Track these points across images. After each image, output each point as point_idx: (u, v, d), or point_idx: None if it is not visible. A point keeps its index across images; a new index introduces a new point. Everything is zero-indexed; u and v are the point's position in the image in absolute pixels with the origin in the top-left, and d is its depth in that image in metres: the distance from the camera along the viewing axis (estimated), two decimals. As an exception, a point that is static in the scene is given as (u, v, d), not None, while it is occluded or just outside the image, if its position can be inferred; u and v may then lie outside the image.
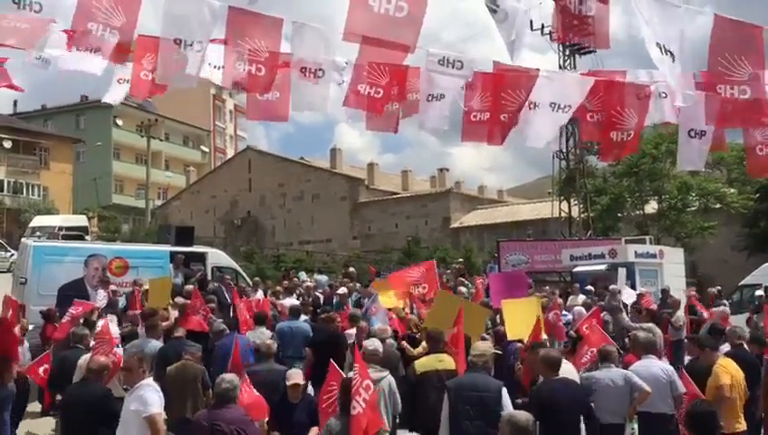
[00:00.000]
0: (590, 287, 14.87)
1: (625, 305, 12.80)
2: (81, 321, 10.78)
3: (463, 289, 15.79)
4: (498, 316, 10.55)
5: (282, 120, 7.43)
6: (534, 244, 24.75)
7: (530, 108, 7.37)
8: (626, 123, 7.57)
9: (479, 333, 8.89)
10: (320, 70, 6.93)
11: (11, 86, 7.06)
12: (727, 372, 7.07)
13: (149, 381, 6.43)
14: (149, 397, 6.10)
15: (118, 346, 9.25)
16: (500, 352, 8.30)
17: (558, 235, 32.63)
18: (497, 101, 7.37)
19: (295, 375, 7.37)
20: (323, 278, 22.47)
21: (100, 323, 10.27)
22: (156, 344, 9.31)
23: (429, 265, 12.97)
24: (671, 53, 6.18)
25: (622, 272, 14.47)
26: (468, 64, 7.25)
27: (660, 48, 6.15)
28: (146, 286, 13.63)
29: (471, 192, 55.46)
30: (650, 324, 10.08)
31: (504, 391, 6.33)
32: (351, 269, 26.22)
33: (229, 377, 6.29)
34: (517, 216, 44.60)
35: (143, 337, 9.72)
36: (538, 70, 7.42)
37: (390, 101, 7.35)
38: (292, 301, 14.02)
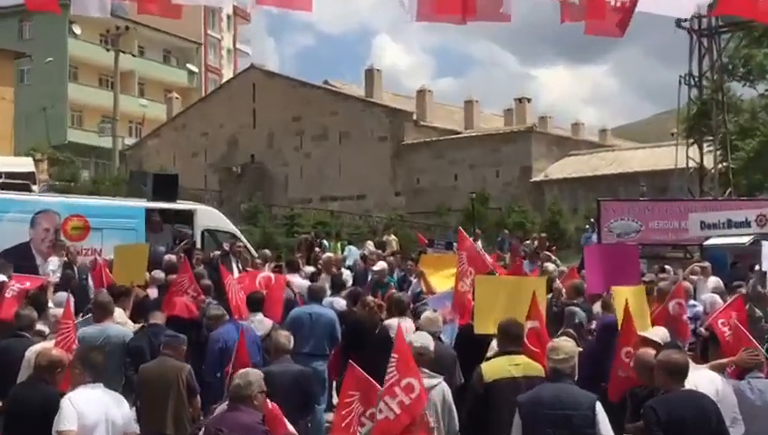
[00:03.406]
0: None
1: None
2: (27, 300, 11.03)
3: (550, 266, 15.74)
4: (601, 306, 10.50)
5: (302, 9, 7.20)
6: (650, 205, 24.39)
7: None
8: None
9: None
10: None
11: None
12: None
13: (82, 388, 6.62)
14: (65, 410, 6.42)
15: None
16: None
17: (683, 193, 32.16)
18: None
19: None
20: (353, 250, 22.62)
21: (53, 305, 10.46)
22: (116, 332, 9.48)
23: (461, 241, 12.55)
24: None
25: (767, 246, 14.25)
26: None
27: None
28: (111, 256, 13.87)
29: (562, 132, 54.74)
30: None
31: (599, 407, 6.34)
32: (391, 237, 26.39)
33: (243, 372, 6.53)
34: (626, 166, 44.03)
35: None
36: None
37: None
38: (296, 279, 14.12)
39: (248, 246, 18.63)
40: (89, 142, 60.67)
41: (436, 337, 8.65)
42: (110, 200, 19.34)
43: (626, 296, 9.19)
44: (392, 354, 6.81)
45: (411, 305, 11.42)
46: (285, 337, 8.61)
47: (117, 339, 9.33)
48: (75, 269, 14.28)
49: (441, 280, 12.66)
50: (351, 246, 23.72)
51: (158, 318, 9.97)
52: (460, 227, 14.40)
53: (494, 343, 8.56)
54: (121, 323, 10.07)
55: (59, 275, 13.76)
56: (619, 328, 8.85)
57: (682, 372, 6.55)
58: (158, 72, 69.37)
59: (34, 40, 58.81)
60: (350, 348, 10.44)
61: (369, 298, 11.23)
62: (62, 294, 11.36)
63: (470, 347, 9.19)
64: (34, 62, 55.92)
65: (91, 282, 13.66)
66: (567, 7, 7.44)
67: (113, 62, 48.62)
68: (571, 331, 9.65)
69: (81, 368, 6.78)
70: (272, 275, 13.42)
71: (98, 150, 59.23)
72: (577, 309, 10.91)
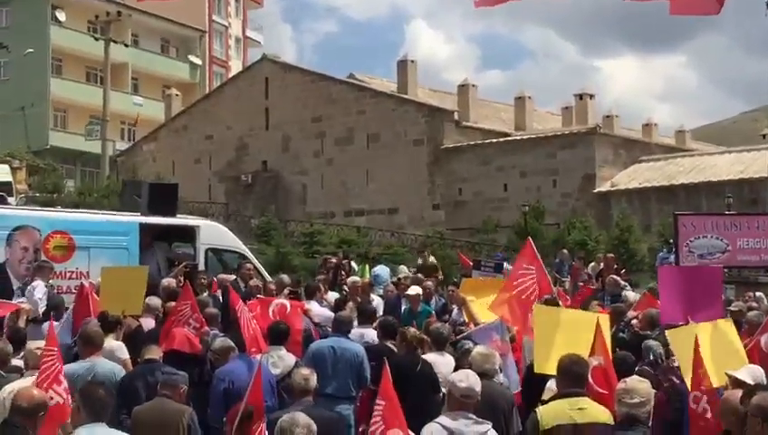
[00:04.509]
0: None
1: None
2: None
3: (630, 294, 15.67)
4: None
5: None
6: (737, 220, 24.17)
7: None
8: None
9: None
10: None
11: None
12: None
13: (80, 430, 6.62)
14: None
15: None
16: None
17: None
18: None
19: None
20: (383, 272, 22.57)
21: (34, 340, 10.49)
22: (104, 368, 9.52)
23: (526, 252, 12.85)
24: None
25: None
26: None
27: None
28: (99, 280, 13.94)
29: (631, 133, 54.45)
30: None
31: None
32: (429, 258, 26.30)
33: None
34: (708, 173, 43.70)
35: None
36: None
37: None
38: (315, 306, 14.16)
39: (260, 268, 18.66)
40: (74, 147, 61.28)
41: (489, 376, 8.61)
42: (98, 215, 19.44)
43: (704, 332, 9.10)
44: (377, 400, 6.82)
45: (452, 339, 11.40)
46: (302, 376, 8.64)
47: (105, 377, 9.30)
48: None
49: (485, 308, 12.60)
50: (380, 267, 23.61)
51: (155, 353, 9.99)
52: (529, 238, 14.33)
53: (550, 384, 8.51)
54: (120, 359, 10.14)
55: (45, 303, 13.79)
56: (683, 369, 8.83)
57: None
58: (155, 64, 70.01)
59: (12, 28, 59.51)
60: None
61: (412, 330, 11.17)
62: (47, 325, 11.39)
63: (530, 388, 9.19)
64: (12, 53, 56.60)
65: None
66: None
67: (103, 54, 49.10)
68: (648, 369, 9.60)
69: (79, 403, 6.81)
70: (287, 303, 13.41)
71: (84, 156, 59.78)
72: (655, 343, 10.82)
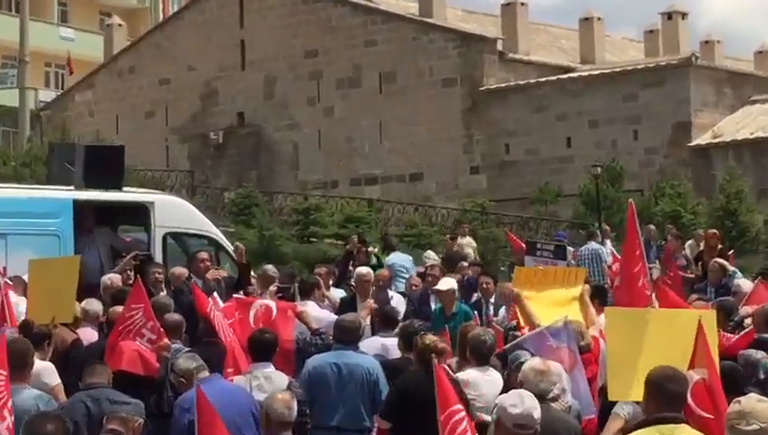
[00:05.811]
0: None
1: None
2: None
3: (744, 283, 15.64)
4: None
5: None
6: None
7: None
8: None
9: None
10: None
11: None
12: None
13: None
14: None
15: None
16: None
17: None
18: None
19: None
20: (398, 259, 22.56)
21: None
22: (26, 399, 9.50)
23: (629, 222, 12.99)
24: None
25: None
26: None
27: None
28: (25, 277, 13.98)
29: (740, 65, 54.18)
30: None
31: None
32: (466, 239, 26.22)
33: None
34: None
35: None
36: None
37: None
38: (315, 310, 14.17)
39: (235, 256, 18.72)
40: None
41: (548, 399, 8.60)
42: (17, 190, 19.47)
43: None
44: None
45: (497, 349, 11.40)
46: (282, 402, 8.58)
47: (22, 411, 9.27)
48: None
49: (546, 307, 12.59)
50: (396, 254, 23.55)
51: (101, 374, 10.01)
52: (630, 200, 14.38)
53: (618, 408, 8.54)
54: (47, 387, 10.14)
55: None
56: None
57: None
58: (91, -15, 69.91)
59: None
60: (403, 421, 10.38)
61: (430, 336, 11.15)
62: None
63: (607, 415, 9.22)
64: None
65: None
66: None
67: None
68: (757, 391, 9.58)
69: None
70: (272, 305, 13.41)
71: (-2, 111, 59.90)
72: (762, 354, 10.77)
